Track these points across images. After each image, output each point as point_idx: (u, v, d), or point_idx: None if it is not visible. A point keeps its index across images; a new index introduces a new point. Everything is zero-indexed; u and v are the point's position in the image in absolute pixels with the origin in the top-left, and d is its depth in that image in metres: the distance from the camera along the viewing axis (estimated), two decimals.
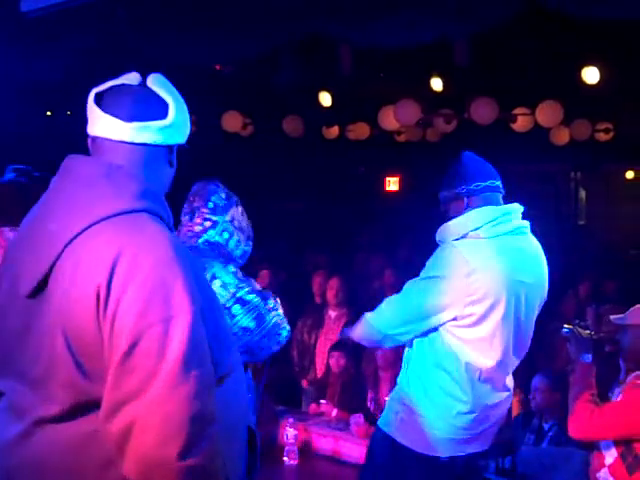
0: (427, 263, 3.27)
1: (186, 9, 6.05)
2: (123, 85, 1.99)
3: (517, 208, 3.32)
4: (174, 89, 2.03)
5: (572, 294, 8.03)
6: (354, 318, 6.61)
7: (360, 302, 7.29)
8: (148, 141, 1.96)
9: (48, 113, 9.95)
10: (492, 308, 3.12)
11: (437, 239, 3.32)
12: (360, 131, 11.32)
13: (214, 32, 6.38)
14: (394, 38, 6.53)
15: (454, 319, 3.14)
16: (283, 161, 12.14)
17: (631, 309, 3.84)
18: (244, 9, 6.06)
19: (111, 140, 1.95)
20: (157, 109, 1.97)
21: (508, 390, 3.37)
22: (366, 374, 6.22)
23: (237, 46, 6.58)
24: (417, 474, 3.26)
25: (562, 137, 10.66)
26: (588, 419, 3.62)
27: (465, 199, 3.25)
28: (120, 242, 1.78)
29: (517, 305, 3.19)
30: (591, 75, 8.53)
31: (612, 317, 3.91)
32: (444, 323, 3.17)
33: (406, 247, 10.96)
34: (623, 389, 3.75)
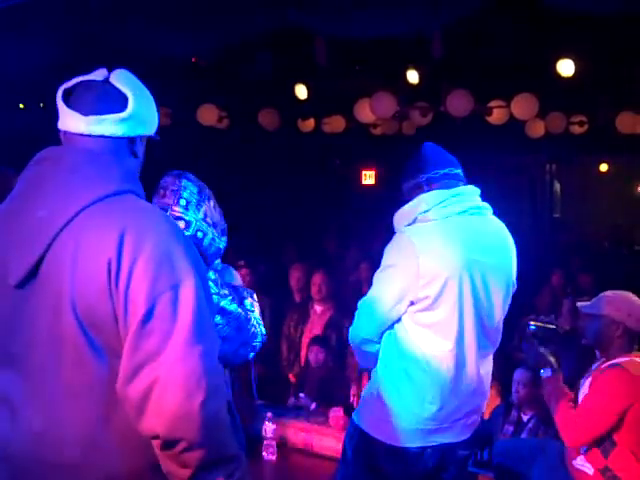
0: (383, 254, 3.27)
1: (160, 2, 6.01)
2: (88, 81, 2.10)
3: (471, 190, 3.27)
4: (138, 84, 2.16)
5: (548, 287, 8.07)
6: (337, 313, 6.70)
7: (338, 296, 7.30)
8: (105, 133, 2.06)
9: (21, 106, 9.84)
10: (444, 288, 3.07)
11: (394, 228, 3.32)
12: (336, 124, 11.29)
13: (188, 24, 6.34)
14: (369, 30, 6.53)
15: (412, 304, 3.12)
16: (259, 154, 12.09)
17: (597, 297, 3.88)
18: (219, 1, 6.03)
19: (74, 133, 2.07)
20: (116, 103, 2.08)
21: (480, 379, 3.29)
22: (350, 368, 6.22)
23: (211, 38, 6.55)
24: (388, 466, 3.24)
25: (537, 130, 10.69)
26: (574, 425, 3.65)
27: (425, 187, 3.23)
28: (122, 219, 1.92)
29: (473, 284, 3.11)
30: (566, 67, 8.56)
31: (579, 304, 3.95)
32: (406, 311, 3.15)
33: (382, 241, 10.95)
34: (589, 378, 3.78)
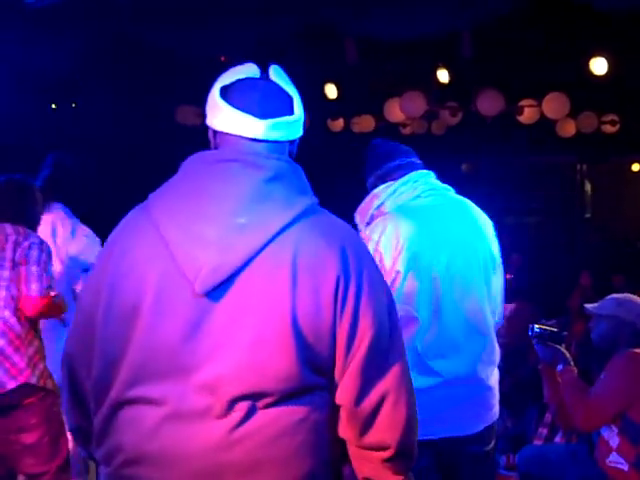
0: None
1: (188, 1, 6.03)
2: (248, 79, 1.99)
3: (422, 173, 3.23)
4: (290, 81, 2.06)
5: (579, 289, 8.02)
6: None
7: None
8: (280, 138, 1.97)
9: (53, 106, 9.91)
10: (405, 282, 3.02)
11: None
12: (365, 124, 11.27)
13: (217, 23, 6.36)
14: (399, 29, 6.51)
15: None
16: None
17: (605, 298, 3.92)
18: (248, 1, 6.04)
19: (243, 137, 1.94)
20: (285, 104, 1.99)
21: (474, 366, 3.15)
22: None
23: (240, 37, 6.56)
24: None
25: (568, 129, 10.61)
26: (586, 406, 3.67)
27: (380, 183, 3.24)
28: (339, 236, 1.92)
29: (436, 271, 3.06)
30: (599, 66, 8.49)
31: (587, 306, 3.99)
32: None
33: None
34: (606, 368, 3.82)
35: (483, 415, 3.22)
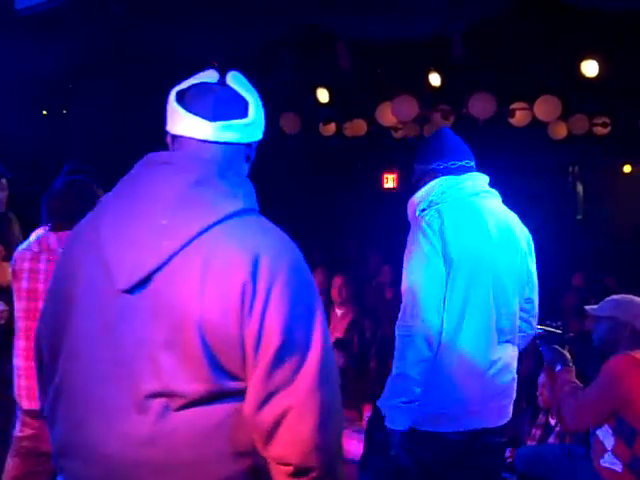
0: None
1: (181, 4, 6.03)
2: (204, 84, 2.03)
3: (481, 176, 3.37)
4: (252, 87, 2.08)
5: (573, 290, 8.03)
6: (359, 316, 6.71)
7: (359, 299, 7.30)
8: (231, 140, 2.00)
9: (44, 112, 9.91)
10: (458, 271, 3.15)
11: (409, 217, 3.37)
12: (357, 128, 11.29)
13: (209, 27, 6.36)
14: (389, 32, 6.52)
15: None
16: (280, 158, 12.11)
17: (605, 300, 3.94)
18: (240, 4, 6.04)
19: (195, 139, 1.98)
20: (238, 107, 2.01)
21: (499, 363, 3.25)
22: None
23: (231, 41, 6.56)
24: (421, 452, 3.23)
25: (560, 131, 10.64)
26: (575, 405, 3.69)
27: (439, 175, 3.30)
28: (255, 242, 1.87)
29: (485, 267, 3.19)
30: (590, 68, 8.51)
31: (587, 307, 4.03)
32: None
33: (403, 244, 10.94)
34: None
35: (502, 406, 3.32)
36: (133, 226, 1.90)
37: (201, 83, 2.03)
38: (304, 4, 6.03)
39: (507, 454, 4.84)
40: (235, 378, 1.87)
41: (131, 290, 1.86)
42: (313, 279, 1.97)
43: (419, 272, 3.18)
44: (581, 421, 3.77)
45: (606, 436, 3.74)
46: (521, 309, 3.38)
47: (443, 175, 3.29)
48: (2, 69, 6.09)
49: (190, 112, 1.97)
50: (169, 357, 1.83)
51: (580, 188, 15.45)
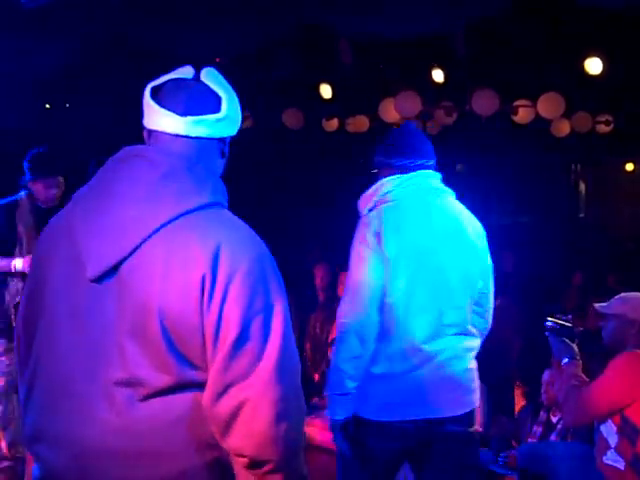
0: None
1: (185, 2, 6.03)
2: (178, 79, 2.07)
3: (431, 173, 3.44)
4: (226, 83, 2.12)
5: (573, 288, 8.03)
6: None
7: None
8: (202, 134, 2.04)
9: (47, 106, 9.90)
10: (399, 267, 3.25)
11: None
12: (360, 124, 11.27)
13: (211, 23, 6.35)
14: (394, 29, 6.51)
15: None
16: (282, 153, 12.11)
17: (615, 298, 3.94)
18: (243, 1, 6.04)
19: (167, 133, 2.03)
20: (211, 103, 2.05)
21: (435, 354, 3.31)
22: None
23: (234, 37, 6.55)
24: (372, 443, 3.33)
25: (563, 129, 10.62)
26: (578, 400, 3.70)
27: (396, 171, 3.40)
28: (216, 233, 1.91)
29: (428, 262, 3.29)
30: (594, 66, 8.50)
31: (596, 305, 4.03)
32: None
33: None
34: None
35: (458, 397, 3.40)
36: (102, 217, 1.95)
37: (176, 79, 2.07)
38: (306, 2, 6.03)
39: (503, 453, 4.85)
40: (197, 368, 1.90)
41: (99, 279, 1.92)
42: (278, 273, 1.99)
43: (356, 272, 3.30)
44: (583, 415, 3.78)
45: (610, 433, 3.74)
46: (475, 303, 3.43)
47: (399, 171, 3.38)
48: (5, 62, 6.09)
49: (163, 107, 2.02)
50: (133, 345, 1.88)
51: (582, 186, 15.43)
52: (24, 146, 4.98)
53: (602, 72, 8.55)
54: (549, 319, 3.93)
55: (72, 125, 8.71)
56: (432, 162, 3.45)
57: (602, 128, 10.74)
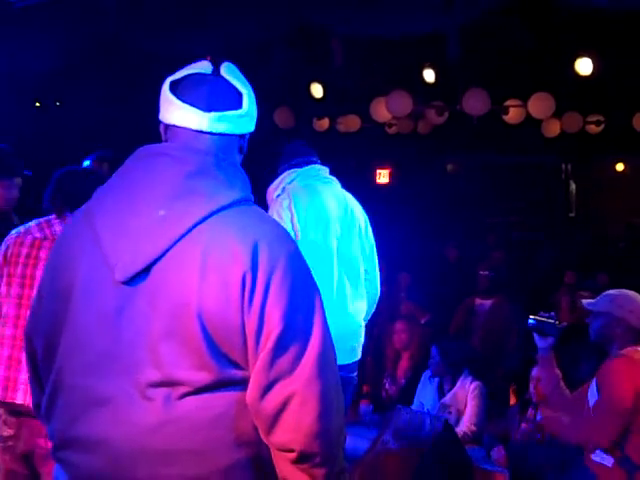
0: None
1: (177, 1, 6.03)
2: (198, 74, 2.02)
3: (322, 167, 4.15)
4: (244, 78, 2.09)
5: (564, 286, 8.05)
6: None
7: None
8: (225, 131, 2.01)
9: (37, 104, 9.88)
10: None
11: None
12: (350, 123, 11.29)
13: (204, 24, 6.36)
14: (385, 29, 6.52)
15: None
16: (273, 153, 12.10)
17: (601, 295, 3.93)
18: (235, 1, 6.04)
19: (189, 129, 1.99)
20: (233, 99, 2.02)
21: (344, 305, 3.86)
22: (387, 354, 6.53)
23: (226, 36, 6.56)
24: None
25: (553, 129, 10.66)
26: (595, 428, 3.66)
27: (295, 168, 4.10)
28: (253, 230, 1.89)
29: (331, 229, 3.90)
30: (584, 66, 8.53)
31: (584, 301, 4.02)
32: None
33: (396, 239, 10.96)
34: (598, 375, 3.80)
35: (357, 349, 3.93)
36: (130, 218, 1.90)
37: (195, 74, 2.02)
38: (299, 2, 6.04)
39: (495, 450, 4.86)
40: (237, 366, 1.89)
41: (130, 282, 1.87)
42: (309, 268, 1.98)
43: None
44: (609, 437, 3.65)
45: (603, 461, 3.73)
46: (365, 271, 4.01)
47: (296, 167, 4.08)
48: None
49: (185, 102, 1.97)
50: (169, 346, 1.85)
51: (573, 186, 15.49)
52: (12, 143, 4.97)
53: (592, 72, 8.58)
54: (531, 317, 3.94)
55: (64, 122, 8.69)
56: (318, 160, 4.18)
57: (592, 128, 10.79)
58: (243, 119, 2.04)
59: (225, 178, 1.95)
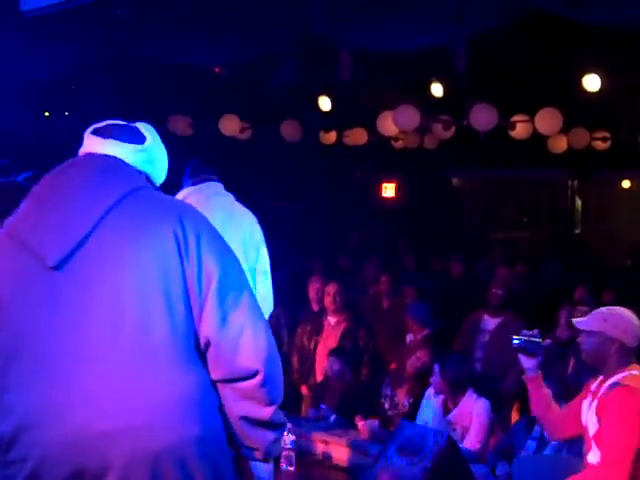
0: None
1: (186, 11, 6.04)
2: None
3: (216, 184, 4.46)
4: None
5: (569, 304, 8.01)
6: (353, 325, 6.72)
7: (355, 307, 7.28)
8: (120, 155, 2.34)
9: (46, 114, 9.91)
10: None
11: None
12: (357, 137, 11.29)
13: (213, 34, 6.37)
14: (392, 43, 6.52)
15: None
16: (280, 165, 12.10)
17: (592, 313, 3.82)
18: (244, 12, 6.05)
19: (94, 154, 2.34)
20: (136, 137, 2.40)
21: None
22: (390, 372, 6.44)
23: (236, 48, 6.56)
24: None
25: (560, 145, 10.65)
26: (611, 470, 3.53)
27: (196, 184, 4.44)
28: (171, 201, 2.30)
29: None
30: (592, 82, 8.52)
31: (574, 320, 3.88)
32: None
33: (402, 253, 10.94)
34: (593, 401, 3.71)
35: None
36: (51, 213, 2.11)
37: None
38: (308, 15, 6.04)
39: (500, 467, 4.83)
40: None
41: (61, 266, 2.06)
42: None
43: None
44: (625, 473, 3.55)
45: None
46: (258, 273, 4.34)
47: (194, 184, 4.41)
48: (5, 70, 6.09)
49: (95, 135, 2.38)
50: (114, 316, 2.06)
51: (579, 202, 15.47)
52: (21, 153, 4.98)
53: (600, 89, 8.57)
54: (515, 337, 3.87)
55: (70, 133, 8.70)
56: (216, 177, 4.49)
57: (599, 144, 10.77)
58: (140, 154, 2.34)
59: (129, 171, 2.26)
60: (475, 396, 5.25)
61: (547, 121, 9.45)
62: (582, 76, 8.57)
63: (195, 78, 8.56)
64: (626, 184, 14.77)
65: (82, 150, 2.32)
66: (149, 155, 2.36)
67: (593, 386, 3.83)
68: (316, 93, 10.14)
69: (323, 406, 5.80)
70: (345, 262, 10.45)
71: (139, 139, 2.35)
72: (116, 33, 5.99)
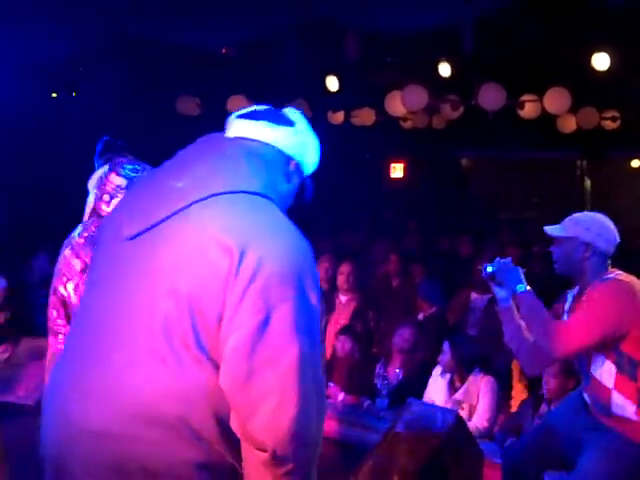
0: None
1: None
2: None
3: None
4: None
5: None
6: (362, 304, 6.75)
7: (365, 287, 7.30)
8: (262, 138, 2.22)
9: (54, 94, 9.91)
10: None
11: None
12: (365, 117, 11.27)
13: (219, 14, 6.36)
14: (401, 23, 6.51)
15: None
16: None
17: (566, 219, 3.68)
18: None
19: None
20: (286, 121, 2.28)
21: None
22: (380, 352, 6.41)
23: (241, 28, 6.55)
24: None
25: (569, 125, 10.61)
26: (566, 332, 3.39)
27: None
28: (254, 216, 2.00)
29: None
30: (601, 61, 8.47)
31: (546, 228, 3.72)
32: None
33: (410, 233, 10.94)
34: (571, 303, 3.63)
35: None
36: (154, 187, 2.13)
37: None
38: None
39: (507, 444, 4.84)
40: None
41: (133, 237, 2.04)
42: (311, 283, 1.99)
43: None
44: (573, 346, 3.38)
45: (607, 375, 3.42)
46: None
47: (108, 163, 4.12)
48: (12, 50, 6.10)
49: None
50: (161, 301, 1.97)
51: (588, 182, 15.41)
52: (30, 133, 4.99)
53: (609, 68, 8.52)
54: (486, 265, 3.63)
55: (78, 113, 8.72)
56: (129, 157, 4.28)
57: (608, 124, 10.72)
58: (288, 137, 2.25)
59: (248, 167, 2.08)
60: (481, 374, 5.26)
61: (556, 101, 9.42)
62: (591, 55, 8.52)
63: (203, 59, 8.54)
64: (636, 163, 14.72)
65: (230, 134, 2.22)
66: (301, 139, 2.29)
67: (567, 305, 3.69)
68: (324, 73, 10.12)
69: (331, 384, 5.82)
70: (354, 242, 10.46)
71: (289, 123, 2.26)
72: (121, 14, 5.98)
